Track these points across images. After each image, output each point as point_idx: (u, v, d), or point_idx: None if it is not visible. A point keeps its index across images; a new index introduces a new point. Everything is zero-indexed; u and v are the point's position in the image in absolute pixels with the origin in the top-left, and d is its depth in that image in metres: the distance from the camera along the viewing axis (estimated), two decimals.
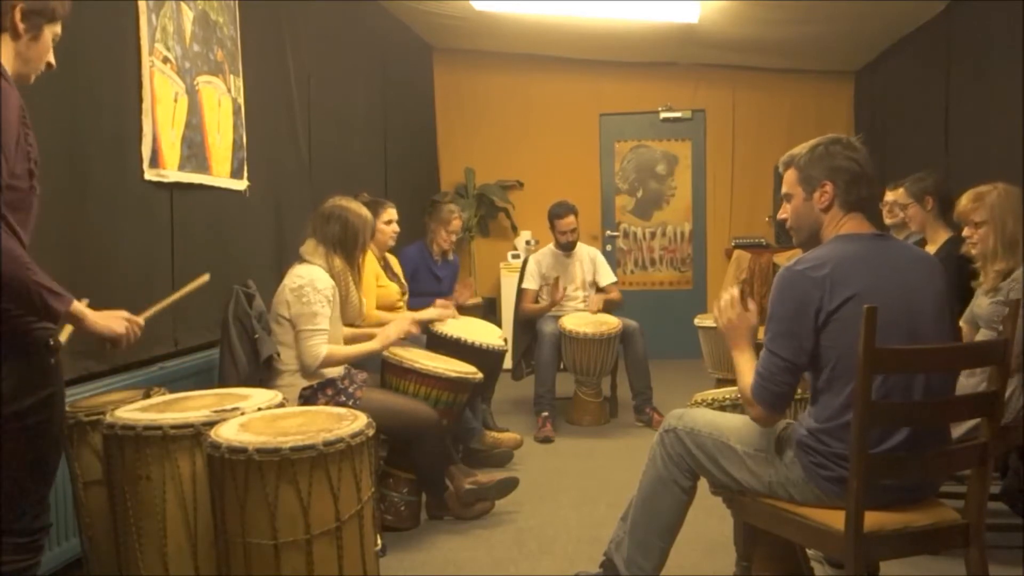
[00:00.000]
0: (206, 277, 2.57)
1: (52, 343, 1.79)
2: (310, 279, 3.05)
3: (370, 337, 3.30)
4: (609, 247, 7.24)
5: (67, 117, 2.62)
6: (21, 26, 1.75)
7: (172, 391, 2.60)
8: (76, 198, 2.66)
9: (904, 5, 4.96)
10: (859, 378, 1.80)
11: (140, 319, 2.01)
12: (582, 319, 4.90)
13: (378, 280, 4.02)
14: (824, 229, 2.10)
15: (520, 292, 5.16)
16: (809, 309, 1.94)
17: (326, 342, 3.03)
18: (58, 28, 1.85)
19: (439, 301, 4.22)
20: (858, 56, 6.40)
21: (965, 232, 2.89)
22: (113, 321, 1.92)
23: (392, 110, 5.88)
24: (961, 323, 2.89)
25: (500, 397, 4.83)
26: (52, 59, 1.86)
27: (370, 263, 3.90)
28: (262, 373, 3.02)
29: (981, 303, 2.86)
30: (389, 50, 5.87)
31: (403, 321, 3.32)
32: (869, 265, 1.98)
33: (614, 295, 5.21)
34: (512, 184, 7.18)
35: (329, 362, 3.03)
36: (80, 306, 1.82)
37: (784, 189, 2.17)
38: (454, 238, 4.72)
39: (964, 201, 2.90)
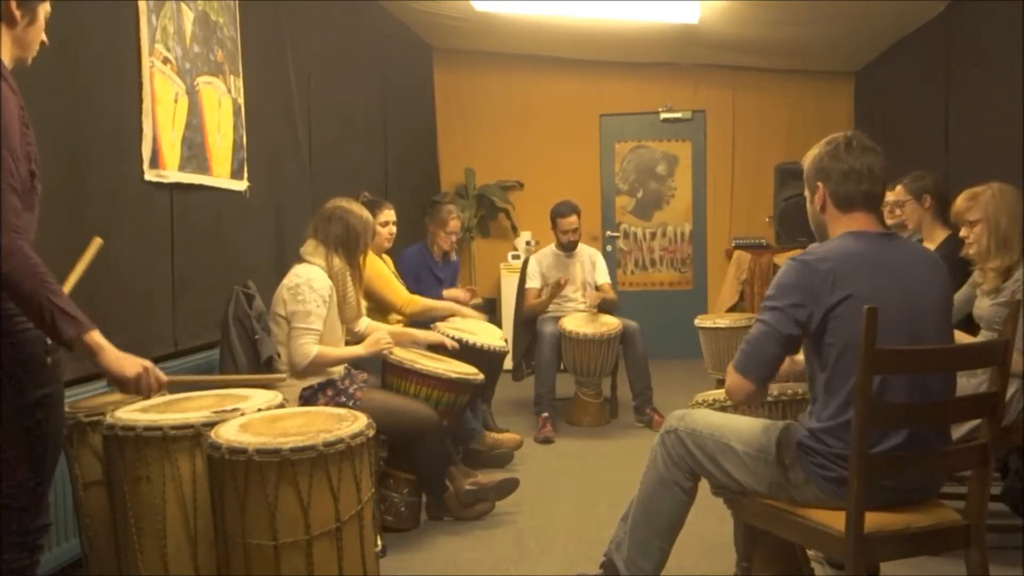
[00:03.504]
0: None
1: (49, 342, 1.79)
2: (307, 278, 3.05)
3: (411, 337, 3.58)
4: (609, 247, 7.24)
5: (67, 117, 2.61)
6: (17, 13, 1.75)
7: (172, 391, 2.60)
8: (76, 198, 2.66)
9: (904, 5, 4.96)
10: (859, 378, 1.80)
11: (164, 376, 1.95)
12: (582, 320, 4.90)
13: None
14: (830, 229, 2.11)
15: (523, 292, 5.16)
16: (809, 298, 1.95)
17: (317, 342, 3.02)
18: (48, 5, 1.85)
19: (447, 293, 4.28)
20: (858, 56, 6.40)
21: (962, 233, 2.90)
22: (126, 363, 1.85)
23: (392, 110, 5.88)
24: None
25: (500, 398, 4.83)
26: (45, 37, 1.86)
27: (377, 261, 3.91)
28: (262, 374, 3.02)
29: (982, 304, 2.86)
30: (389, 50, 5.87)
31: (393, 338, 3.34)
32: (872, 264, 1.98)
33: (610, 294, 5.19)
34: (512, 184, 7.18)
35: (318, 362, 3.02)
36: (99, 338, 1.78)
37: None
38: (454, 239, 4.72)
39: (959, 201, 2.91)
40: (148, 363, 1.91)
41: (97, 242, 2.37)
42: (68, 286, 2.19)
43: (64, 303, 1.71)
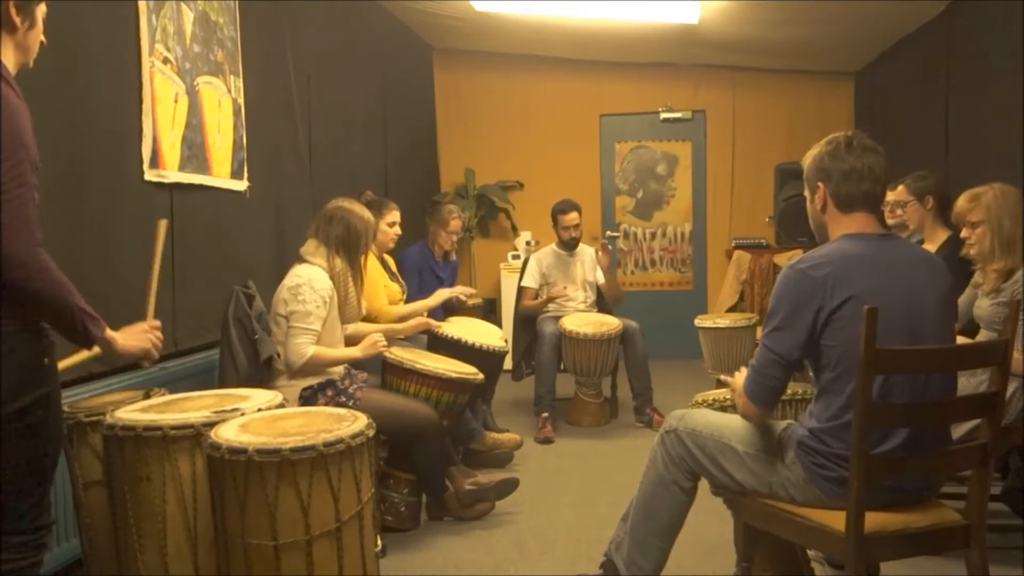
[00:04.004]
0: (164, 222, 2.49)
1: (45, 342, 1.79)
2: (308, 279, 3.05)
3: (392, 332, 3.52)
4: (609, 247, 7.22)
5: (67, 117, 2.61)
6: (17, 19, 1.75)
7: (172, 391, 2.60)
8: (76, 199, 2.66)
9: (904, 5, 4.95)
10: (859, 378, 1.80)
11: (157, 322, 2.05)
12: (582, 319, 4.89)
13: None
14: (830, 229, 2.11)
15: (520, 290, 5.16)
16: (808, 308, 1.95)
17: (314, 343, 3.02)
18: (44, 6, 1.85)
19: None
20: (858, 56, 6.40)
21: (963, 233, 2.90)
22: (139, 338, 1.97)
23: (392, 110, 5.88)
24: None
25: (500, 398, 4.83)
26: (43, 38, 1.86)
27: (375, 263, 3.91)
28: (262, 374, 3.02)
29: (982, 304, 2.86)
30: (389, 50, 5.87)
31: (381, 339, 3.27)
32: (871, 265, 1.98)
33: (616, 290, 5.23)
34: (512, 184, 7.18)
35: (314, 363, 3.02)
36: (109, 330, 1.85)
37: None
38: (455, 238, 4.72)
39: (961, 202, 2.91)
40: (145, 324, 2.02)
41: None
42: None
43: (86, 306, 1.75)
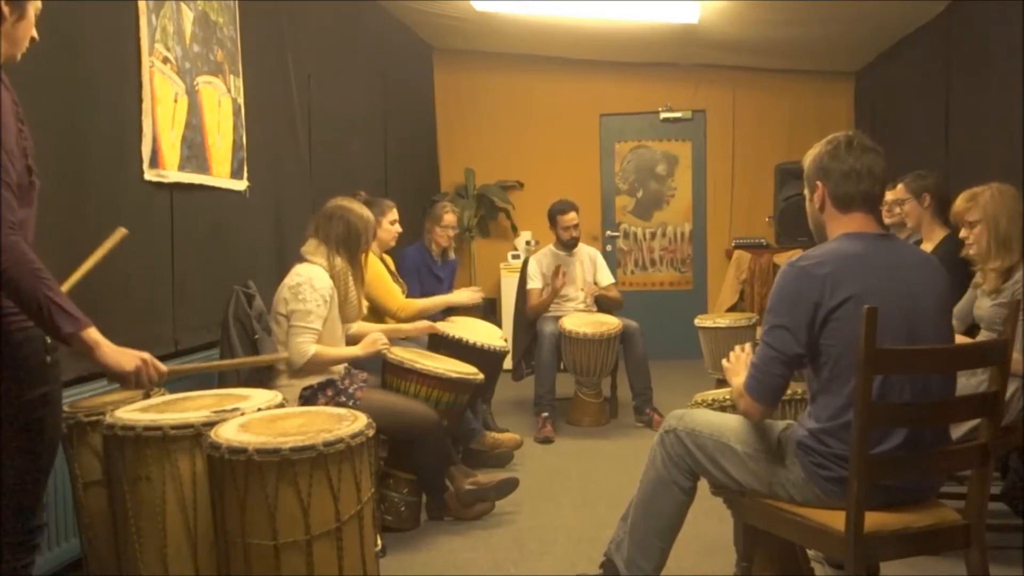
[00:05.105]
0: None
1: (48, 341, 1.79)
2: (308, 277, 3.05)
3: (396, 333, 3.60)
4: (609, 247, 7.24)
5: (67, 117, 2.62)
6: (6, 9, 1.74)
7: (172, 391, 2.60)
8: (76, 198, 2.66)
9: (904, 5, 4.96)
10: (859, 378, 1.80)
11: (163, 367, 1.95)
12: (582, 319, 4.90)
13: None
14: (828, 229, 2.11)
15: (525, 293, 5.15)
16: (807, 305, 1.95)
17: (315, 342, 3.02)
18: (38, 3, 1.83)
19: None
20: (858, 57, 6.40)
21: (961, 233, 2.90)
22: (124, 357, 1.85)
23: (392, 110, 5.88)
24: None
25: (500, 398, 4.83)
26: (35, 33, 1.84)
27: (376, 263, 3.92)
28: (262, 373, 3.02)
29: (982, 304, 2.86)
30: (389, 50, 5.87)
31: (381, 338, 3.30)
32: (870, 265, 1.98)
33: (613, 293, 5.23)
34: (512, 184, 7.18)
35: (316, 362, 3.01)
36: (95, 334, 1.78)
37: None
38: (451, 233, 4.71)
39: (959, 202, 2.92)
40: (146, 355, 1.90)
41: (121, 232, 2.37)
42: (83, 271, 2.24)
43: (61, 300, 1.71)
